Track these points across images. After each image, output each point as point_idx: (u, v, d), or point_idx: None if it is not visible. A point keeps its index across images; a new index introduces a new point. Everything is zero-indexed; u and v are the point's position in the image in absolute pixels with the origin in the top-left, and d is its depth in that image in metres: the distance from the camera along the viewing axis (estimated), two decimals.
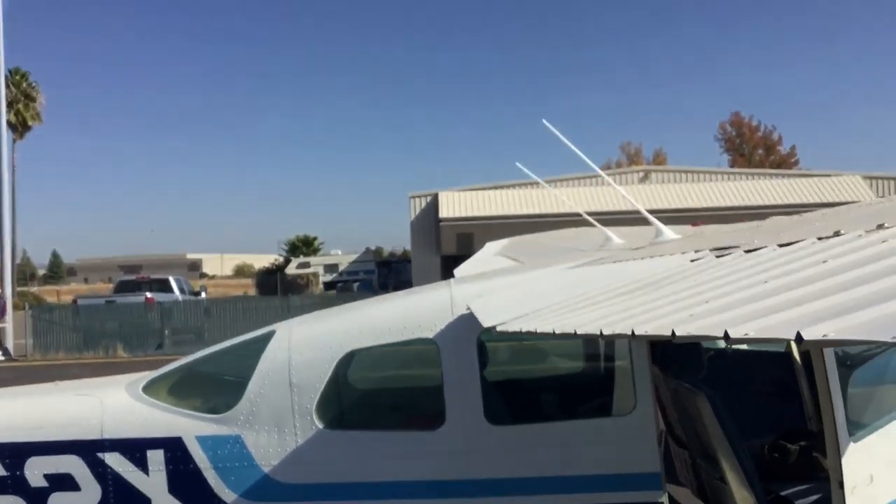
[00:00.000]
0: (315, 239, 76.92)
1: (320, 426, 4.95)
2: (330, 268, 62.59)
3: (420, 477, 4.82)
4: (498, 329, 3.47)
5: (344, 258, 63.39)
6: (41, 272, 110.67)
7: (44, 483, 5.12)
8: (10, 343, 28.32)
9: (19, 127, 59.36)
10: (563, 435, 4.77)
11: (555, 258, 6.68)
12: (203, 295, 38.49)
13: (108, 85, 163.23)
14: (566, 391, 5.52)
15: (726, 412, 4.66)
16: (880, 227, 2.53)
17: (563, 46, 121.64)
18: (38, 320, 28.76)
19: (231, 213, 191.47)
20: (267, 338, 5.27)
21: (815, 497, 5.02)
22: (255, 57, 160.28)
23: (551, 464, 4.71)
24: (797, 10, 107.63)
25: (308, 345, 5.12)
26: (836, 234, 2.69)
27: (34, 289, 67.91)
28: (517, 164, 10.32)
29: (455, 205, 39.79)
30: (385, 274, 57.38)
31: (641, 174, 43.89)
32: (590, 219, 8.79)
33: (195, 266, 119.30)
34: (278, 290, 50.37)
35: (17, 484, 5.12)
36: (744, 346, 5.82)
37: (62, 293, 64.82)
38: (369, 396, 5.67)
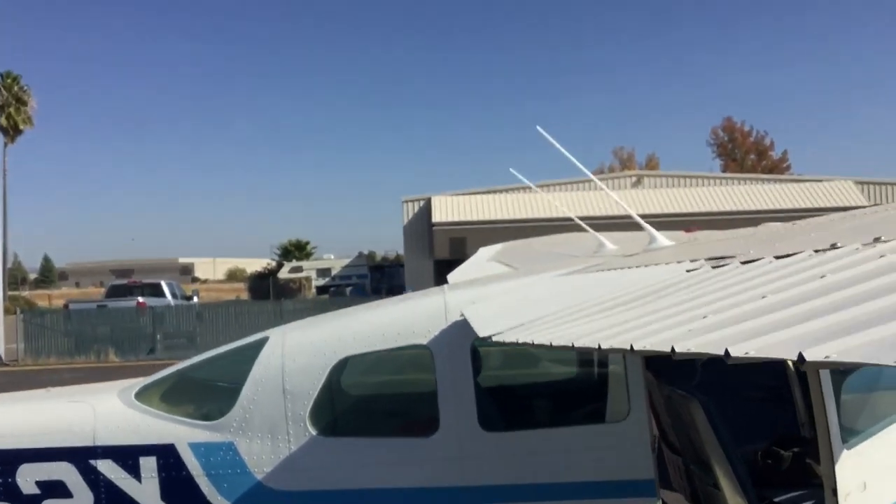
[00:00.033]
0: (308, 243, 76.73)
1: (314, 433, 4.94)
2: (323, 272, 62.51)
3: (414, 484, 4.82)
4: (494, 339, 3.47)
5: (337, 262, 63.31)
6: (32, 276, 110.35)
7: (36, 490, 5.11)
8: (1, 348, 28.21)
9: (10, 131, 59.18)
10: (558, 441, 4.77)
11: (548, 264, 6.68)
12: (195, 299, 38.45)
13: (99, 88, 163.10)
14: (560, 398, 5.52)
15: (720, 418, 4.66)
16: (877, 240, 2.53)
17: (556, 51, 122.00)
18: (30, 325, 28.66)
19: (223, 216, 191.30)
20: (260, 344, 5.26)
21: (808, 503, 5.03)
22: (248, 60, 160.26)
23: (545, 470, 4.71)
24: (790, 15, 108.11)
25: (302, 351, 5.11)
26: (833, 246, 2.69)
27: (25, 293, 67.73)
28: (511, 170, 10.35)
29: (448, 209, 39.80)
30: (378, 278, 57.36)
31: (634, 179, 43.96)
32: (582, 223, 8.79)
33: (187, 270, 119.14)
34: (271, 295, 50.34)
35: (9, 491, 5.10)
36: None
37: (53, 297, 64.59)
38: (363, 403, 5.66)
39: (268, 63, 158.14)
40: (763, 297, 2.28)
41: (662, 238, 5.92)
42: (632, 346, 2.18)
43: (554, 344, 2.69)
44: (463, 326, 4.64)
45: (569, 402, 5.41)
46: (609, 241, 7.35)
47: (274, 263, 71.96)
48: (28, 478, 5.11)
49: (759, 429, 5.62)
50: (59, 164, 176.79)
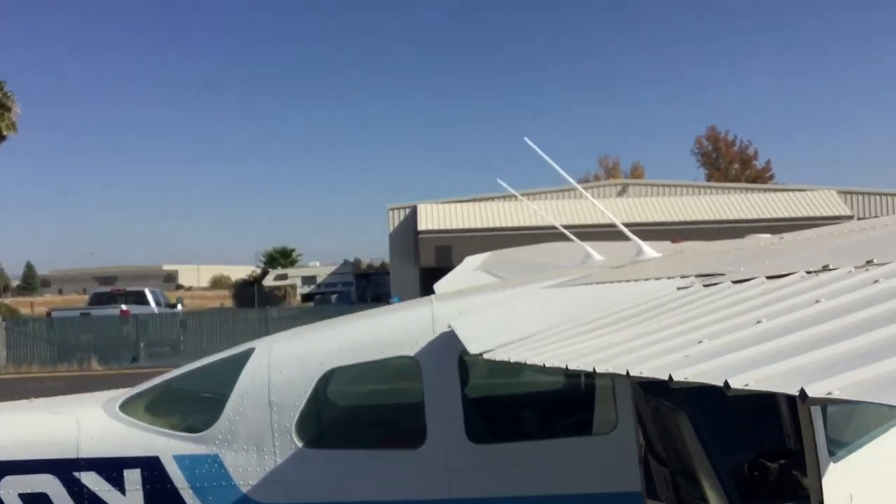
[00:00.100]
0: (293, 250, 76.56)
1: (300, 445, 4.91)
2: (308, 279, 62.41)
3: (401, 496, 4.79)
4: (485, 357, 3.45)
5: (322, 270, 63.23)
6: (15, 283, 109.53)
7: (19, 502, 5.05)
8: None
9: None
10: (545, 454, 4.76)
11: (536, 275, 6.68)
12: (179, 307, 38.24)
13: (82, 95, 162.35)
14: (548, 410, 5.51)
15: (707, 430, 4.67)
16: (869, 263, 2.54)
17: (542, 61, 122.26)
18: (12, 332, 28.46)
19: (208, 223, 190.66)
20: (246, 355, 5.23)
21: None
22: (230, 67, 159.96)
23: (533, 483, 4.70)
24: (774, 25, 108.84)
25: (288, 362, 5.08)
26: (825, 268, 2.69)
27: (7, 300, 67.13)
28: (498, 180, 10.37)
29: (434, 217, 39.83)
30: (363, 286, 57.28)
31: (619, 188, 44.16)
32: (566, 232, 8.81)
33: (171, 277, 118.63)
34: (255, 302, 50.09)
35: None
36: None
37: (36, 305, 64.14)
38: (350, 415, 5.63)
39: (253, 70, 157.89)
40: (758, 321, 2.28)
41: (649, 249, 5.92)
42: (628, 372, 2.17)
43: (547, 365, 2.68)
44: (450, 338, 4.62)
45: (556, 414, 5.40)
46: (596, 252, 7.35)
47: (259, 271, 71.79)
48: (11, 490, 5.06)
49: (745, 440, 5.63)
50: (42, 171, 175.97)
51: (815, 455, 3.81)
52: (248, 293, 58.29)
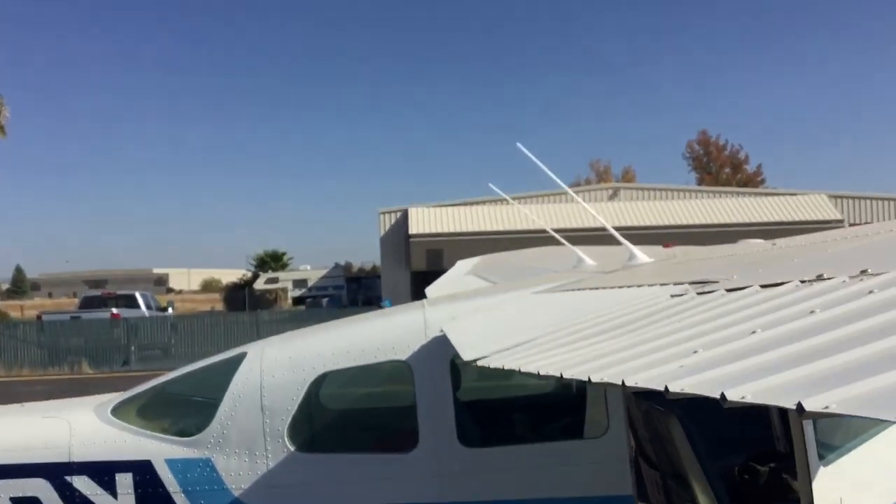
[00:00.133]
0: (284, 254, 76.42)
1: (292, 449, 4.91)
2: (299, 283, 62.30)
3: (393, 500, 4.80)
4: (479, 364, 3.46)
5: (313, 273, 63.11)
6: (4, 287, 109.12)
7: None
8: None
9: None
10: (537, 457, 4.77)
11: (528, 279, 6.69)
12: (170, 310, 38.17)
13: (71, 98, 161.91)
14: (539, 413, 5.52)
15: (697, 433, 4.69)
16: (863, 272, 2.55)
17: (533, 64, 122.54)
18: (2, 336, 28.33)
19: (198, 227, 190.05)
20: (238, 360, 5.23)
21: None
22: (222, 70, 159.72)
23: (524, 486, 4.71)
24: (765, 30, 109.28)
25: (280, 366, 5.08)
26: (819, 277, 2.71)
27: None
28: (490, 185, 10.37)
29: (425, 221, 39.82)
30: (354, 289, 57.24)
31: (610, 192, 44.20)
32: (557, 236, 8.82)
33: (162, 281, 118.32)
34: (246, 306, 50.07)
35: None
36: None
37: (26, 308, 63.87)
38: (342, 419, 5.63)
39: (245, 75, 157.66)
40: (753, 332, 2.29)
41: (641, 254, 5.93)
42: (623, 382, 2.18)
43: (542, 373, 2.69)
44: (442, 342, 4.64)
45: (548, 418, 5.42)
46: (588, 256, 7.36)
47: (250, 274, 71.63)
48: (2, 494, 5.05)
49: (736, 444, 5.65)
50: (31, 174, 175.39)
51: (805, 459, 3.83)
52: (239, 297, 58.22)
